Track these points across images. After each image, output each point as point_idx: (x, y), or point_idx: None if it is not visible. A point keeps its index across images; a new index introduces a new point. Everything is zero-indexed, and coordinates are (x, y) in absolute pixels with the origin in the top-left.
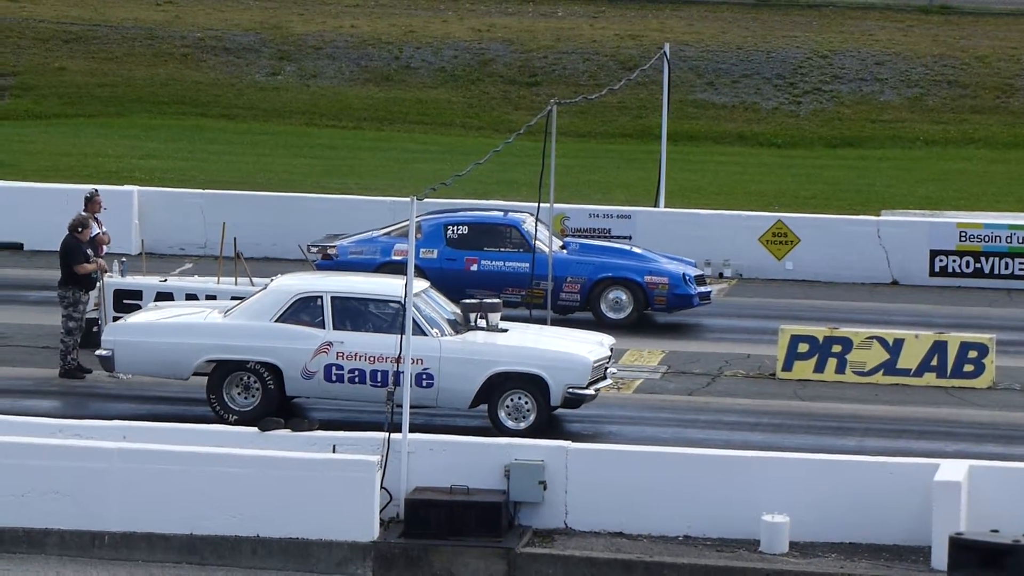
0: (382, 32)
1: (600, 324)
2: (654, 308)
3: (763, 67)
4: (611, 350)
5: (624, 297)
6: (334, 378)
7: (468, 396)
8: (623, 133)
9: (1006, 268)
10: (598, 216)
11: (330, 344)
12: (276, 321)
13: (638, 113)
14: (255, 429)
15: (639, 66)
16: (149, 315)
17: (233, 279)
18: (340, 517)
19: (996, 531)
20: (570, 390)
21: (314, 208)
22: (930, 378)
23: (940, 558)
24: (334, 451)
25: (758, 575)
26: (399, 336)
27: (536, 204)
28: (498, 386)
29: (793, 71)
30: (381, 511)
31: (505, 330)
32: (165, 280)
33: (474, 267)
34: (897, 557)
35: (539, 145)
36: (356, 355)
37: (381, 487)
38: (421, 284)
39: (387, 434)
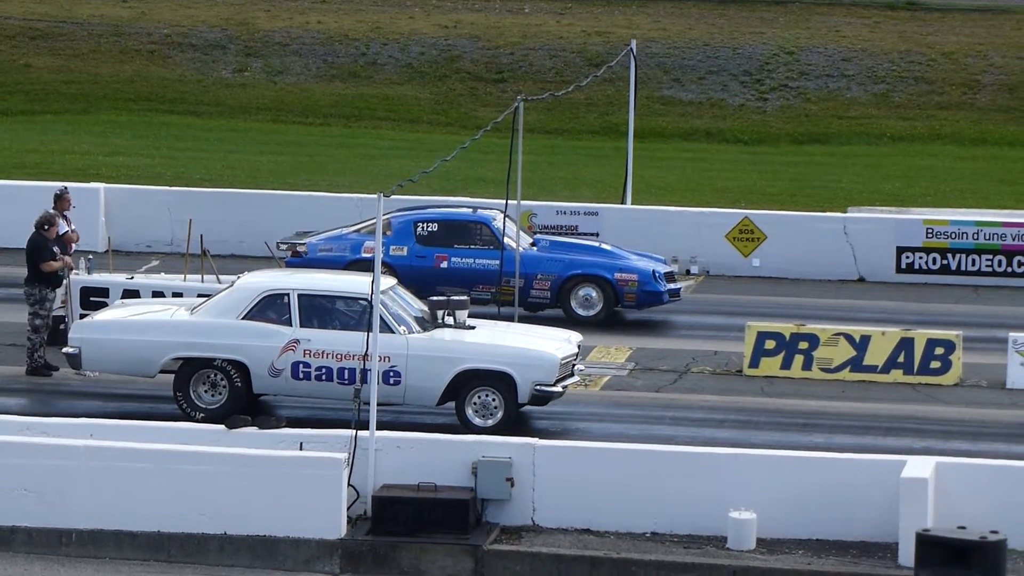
0: (349, 28)
1: (570, 321)
2: (624, 305)
3: (729, 64)
4: (578, 347)
5: (594, 294)
6: (301, 376)
7: (435, 394)
8: (590, 130)
9: (972, 265)
10: (565, 213)
11: (297, 342)
12: (243, 319)
13: (605, 110)
14: (222, 427)
15: (606, 63)
16: (116, 313)
17: (200, 277)
18: (307, 515)
19: (963, 528)
20: (537, 387)
21: (280, 205)
22: (897, 375)
23: (907, 555)
24: (301, 449)
25: (725, 572)
26: (366, 334)
27: (504, 201)
28: (465, 383)
29: (759, 68)
30: (348, 508)
31: (473, 327)
32: (132, 278)
33: (444, 264)
34: (864, 553)
35: (506, 142)
36: (323, 353)
37: (348, 484)
38: (388, 281)
39: (354, 432)
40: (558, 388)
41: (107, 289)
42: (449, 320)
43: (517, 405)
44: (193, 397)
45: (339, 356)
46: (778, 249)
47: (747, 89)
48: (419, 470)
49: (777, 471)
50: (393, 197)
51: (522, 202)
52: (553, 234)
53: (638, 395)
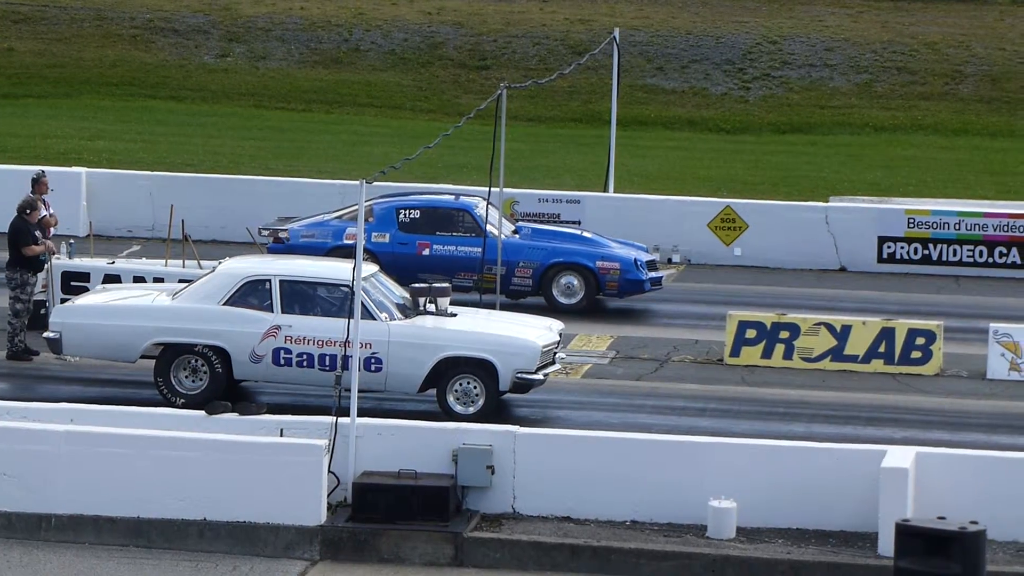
0: (332, 14)
1: (552, 309)
2: (606, 293)
3: (712, 53)
4: (560, 335)
5: (576, 282)
6: (282, 362)
7: (417, 381)
8: (572, 118)
9: (954, 255)
10: (547, 201)
11: (278, 328)
12: (224, 304)
13: (588, 98)
14: (202, 412)
15: (589, 51)
16: (96, 297)
17: (181, 262)
18: (287, 501)
19: (943, 518)
20: (519, 375)
21: (262, 191)
22: (878, 364)
23: (887, 544)
24: (281, 435)
25: (705, 560)
26: (347, 320)
27: (487, 188)
28: (447, 371)
29: (742, 57)
30: (329, 495)
31: (454, 315)
32: (113, 262)
33: (426, 251)
34: (844, 543)
35: (489, 129)
36: (304, 339)
37: (329, 471)
38: (370, 268)
39: (335, 418)
40: (539, 376)
41: (88, 274)
42: (431, 307)
43: (498, 393)
44: (174, 383)
45: (320, 343)
46: (760, 238)
47: (730, 78)
48: (400, 457)
49: (757, 460)
50: (376, 184)
51: (504, 190)
52: (535, 222)
53: (619, 383)
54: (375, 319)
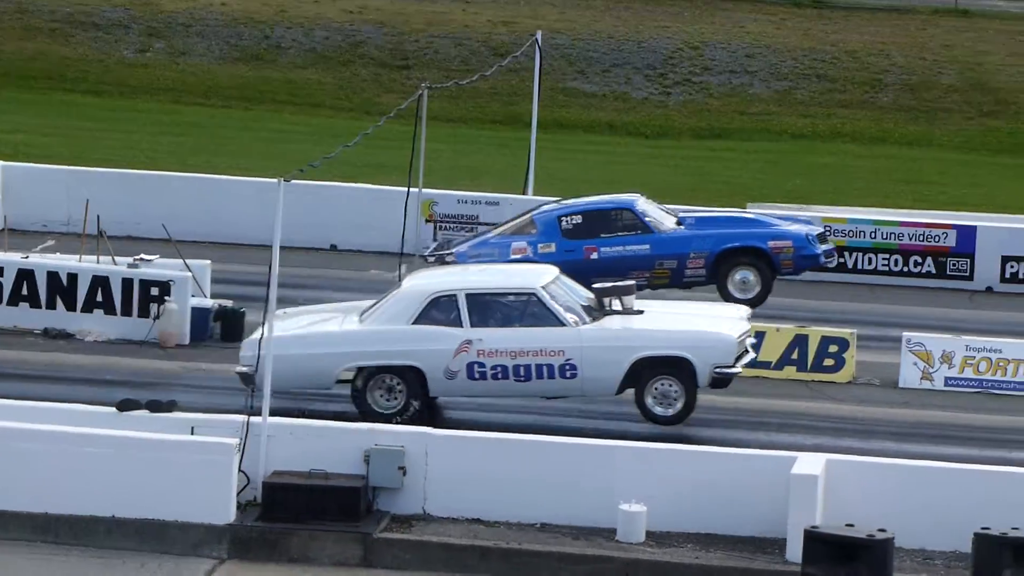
0: (253, 11)
1: (726, 299)
2: (781, 273)
3: (634, 57)
4: (749, 321)
5: (752, 277)
6: (476, 376)
7: (614, 384)
8: (494, 119)
9: (869, 263)
10: (466, 202)
11: (470, 342)
12: (413, 323)
13: (509, 100)
14: (113, 409)
15: (511, 53)
16: (283, 327)
17: (95, 257)
18: (197, 499)
19: (851, 525)
20: (717, 370)
21: (179, 187)
22: (791, 371)
23: (795, 551)
24: (193, 433)
25: (614, 563)
26: (536, 328)
27: (406, 189)
28: (643, 371)
29: (663, 62)
30: (239, 494)
31: (641, 312)
32: (27, 257)
33: (594, 255)
34: (753, 549)
35: (410, 129)
36: (497, 351)
37: (239, 470)
38: (551, 272)
39: (246, 418)
40: (737, 368)
41: (2, 268)
42: (616, 305)
43: (696, 390)
44: (370, 403)
45: (513, 353)
46: None
47: (651, 83)
48: (311, 457)
49: (668, 465)
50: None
51: (424, 190)
52: (455, 223)
53: None
54: (564, 324)
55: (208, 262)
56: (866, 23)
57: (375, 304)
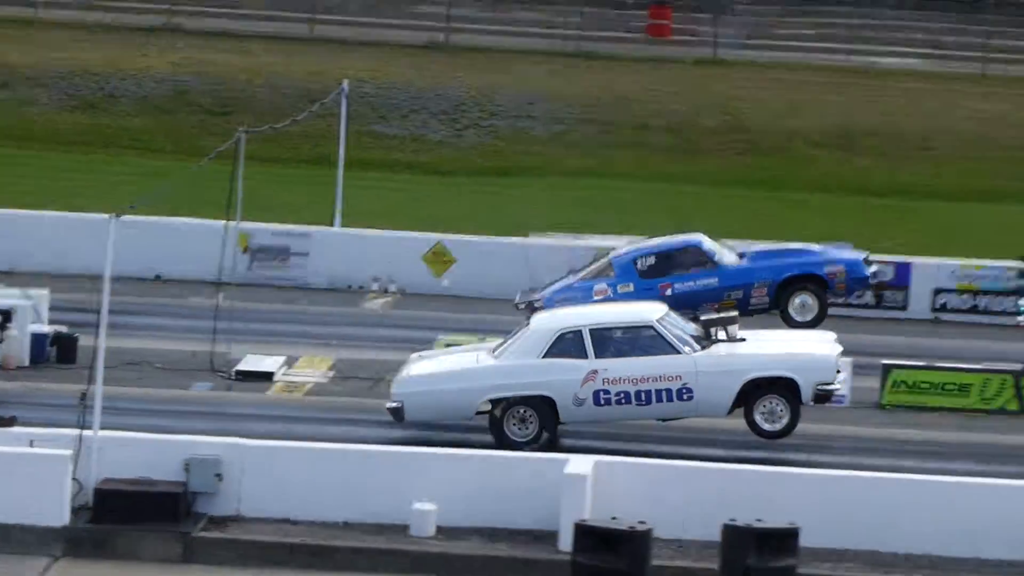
0: (91, 64)
1: (787, 323)
2: (834, 295)
3: (430, 103)
4: (838, 343)
5: (810, 301)
6: (602, 402)
7: (726, 404)
8: (305, 159)
9: None
10: (280, 234)
11: (595, 372)
12: (544, 357)
13: (319, 142)
14: None
15: (321, 100)
16: (425, 366)
17: None
18: (35, 504)
19: (615, 518)
20: (819, 387)
21: (24, 224)
22: None
23: (566, 541)
24: (31, 446)
25: (408, 556)
26: (654, 356)
27: (224, 222)
28: (751, 392)
29: (456, 107)
30: (72, 500)
31: (743, 339)
32: None
33: (668, 292)
34: (531, 540)
35: (229, 168)
36: (620, 379)
37: (73, 478)
38: (662, 307)
39: (80, 431)
40: (836, 385)
41: None
42: (722, 335)
43: (800, 406)
44: (506, 432)
45: (634, 380)
46: (467, 271)
47: (445, 126)
48: (139, 466)
49: (456, 467)
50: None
51: (241, 223)
52: (267, 255)
53: (339, 400)
54: (680, 353)
55: (46, 291)
56: (632, 72)
57: (505, 342)
